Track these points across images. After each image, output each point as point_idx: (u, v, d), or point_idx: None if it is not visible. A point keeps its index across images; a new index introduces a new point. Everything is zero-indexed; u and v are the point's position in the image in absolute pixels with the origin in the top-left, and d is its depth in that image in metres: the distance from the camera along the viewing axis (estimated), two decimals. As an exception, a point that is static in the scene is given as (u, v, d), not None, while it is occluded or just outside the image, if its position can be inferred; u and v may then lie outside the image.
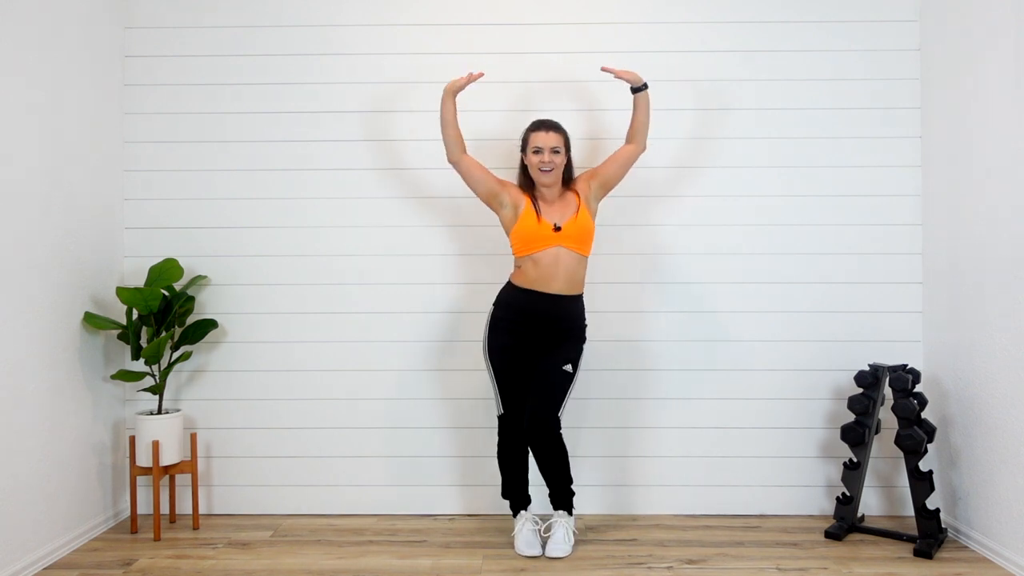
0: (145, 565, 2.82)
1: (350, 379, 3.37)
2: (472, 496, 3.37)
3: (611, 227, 3.31)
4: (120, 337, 3.16)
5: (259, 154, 3.37)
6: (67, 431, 2.96)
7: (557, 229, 2.82)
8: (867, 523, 3.19)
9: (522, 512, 2.98)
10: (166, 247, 3.35)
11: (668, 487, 3.37)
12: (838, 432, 3.25)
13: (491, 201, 2.94)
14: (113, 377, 3.11)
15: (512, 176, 3.01)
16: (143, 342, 3.21)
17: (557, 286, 2.84)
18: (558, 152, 2.85)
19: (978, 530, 2.95)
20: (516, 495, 2.99)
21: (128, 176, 3.37)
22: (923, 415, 3.10)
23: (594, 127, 3.34)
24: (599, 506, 3.36)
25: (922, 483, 2.95)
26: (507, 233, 2.93)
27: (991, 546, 2.86)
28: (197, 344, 3.28)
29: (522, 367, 2.90)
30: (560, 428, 2.89)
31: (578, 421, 3.31)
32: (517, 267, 2.90)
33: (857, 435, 3.05)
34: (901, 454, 3.20)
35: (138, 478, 3.22)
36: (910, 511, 3.22)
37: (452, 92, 2.91)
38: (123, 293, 3.00)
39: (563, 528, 2.92)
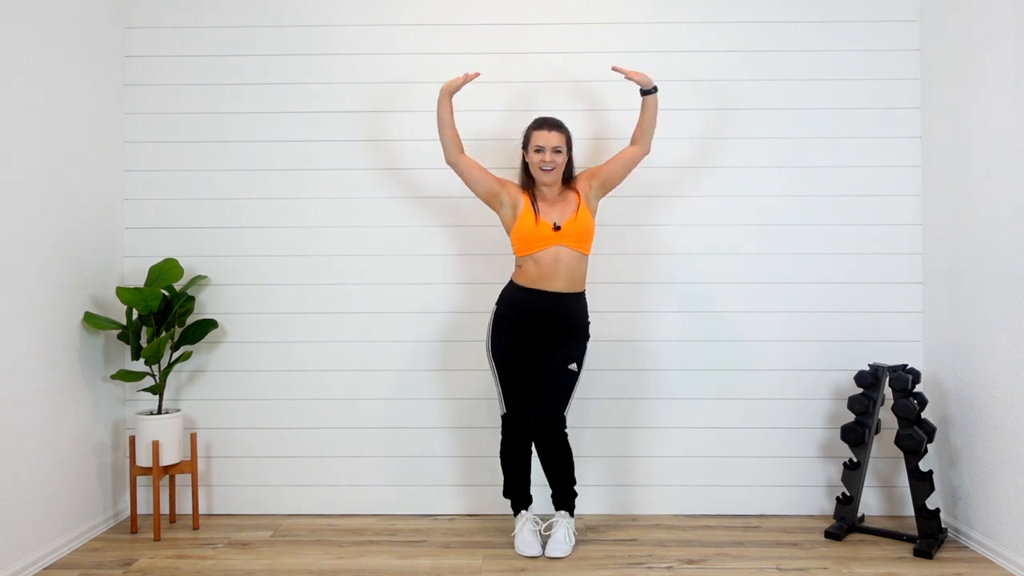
0: (145, 565, 2.82)
1: (350, 379, 3.37)
2: (472, 496, 3.37)
3: (611, 227, 3.31)
4: (120, 337, 3.16)
5: (259, 154, 3.37)
6: (67, 431, 2.96)
7: (557, 228, 2.82)
8: (867, 523, 3.19)
9: (522, 512, 2.98)
10: (166, 247, 3.35)
11: (668, 487, 3.37)
12: (838, 432, 3.25)
13: (491, 200, 2.94)
14: (113, 377, 3.11)
15: (513, 175, 3.01)
16: (143, 342, 3.21)
17: (558, 284, 2.84)
18: (560, 151, 2.84)
19: (978, 530, 2.95)
20: (517, 494, 2.99)
21: (128, 176, 3.37)
22: (923, 415, 3.10)
23: (594, 127, 3.34)
24: (599, 506, 3.36)
25: (922, 483, 2.95)
26: (507, 233, 2.93)
27: (991, 546, 2.86)
28: (197, 344, 3.28)
29: (525, 366, 2.89)
30: (566, 427, 2.89)
31: (579, 421, 3.30)
32: (518, 266, 2.90)
33: (857, 435, 3.05)
34: (901, 454, 3.20)
35: (138, 478, 3.22)
36: (910, 511, 3.22)
37: (448, 93, 2.91)
38: (123, 293, 3.00)
39: (564, 528, 2.92)
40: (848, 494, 3.09)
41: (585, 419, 3.35)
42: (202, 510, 3.35)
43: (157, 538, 3.05)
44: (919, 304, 3.34)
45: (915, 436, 2.93)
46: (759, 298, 3.35)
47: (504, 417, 2.95)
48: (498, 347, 2.90)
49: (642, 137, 2.97)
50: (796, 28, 3.35)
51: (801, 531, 3.16)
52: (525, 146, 2.90)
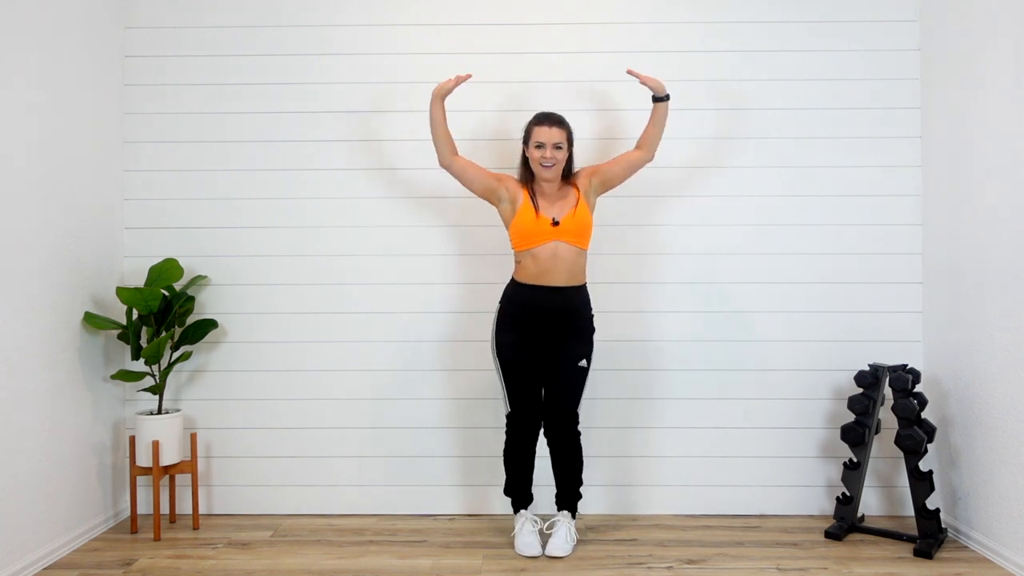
0: (145, 565, 2.82)
1: (350, 379, 3.37)
2: (472, 496, 3.37)
3: (612, 227, 3.31)
4: (120, 337, 3.16)
5: (259, 154, 3.37)
6: (67, 431, 2.96)
7: (555, 224, 2.82)
8: (867, 523, 3.19)
9: (522, 511, 2.98)
10: (166, 247, 3.35)
11: (668, 487, 3.37)
12: (838, 432, 3.25)
13: (489, 197, 2.94)
14: (113, 377, 3.11)
15: (514, 174, 3.01)
16: (143, 342, 3.21)
17: (558, 279, 2.84)
18: (560, 148, 2.84)
19: (978, 530, 2.95)
20: (518, 493, 2.99)
21: (128, 176, 3.37)
22: (923, 415, 3.10)
23: (594, 127, 3.34)
24: (599, 506, 3.36)
25: (922, 483, 2.95)
26: (506, 227, 2.93)
27: (991, 546, 2.86)
28: (197, 344, 3.28)
29: (530, 364, 2.89)
30: (578, 423, 2.91)
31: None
32: (517, 262, 2.90)
33: (857, 435, 3.05)
34: (901, 454, 3.20)
35: (138, 478, 3.22)
36: (910, 511, 3.22)
37: (440, 96, 2.90)
38: (123, 293, 3.00)
39: (565, 528, 2.92)
40: (848, 494, 3.09)
41: (586, 419, 3.33)
42: (202, 510, 3.35)
43: (157, 538, 3.05)
44: (919, 304, 3.34)
45: (915, 436, 2.93)
46: (759, 298, 3.35)
47: (509, 416, 2.94)
48: (502, 345, 2.90)
49: (648, 142, 2.98)
50: (796, 28, 3.35)
51: (801, 531, 3.16)
52: (526, 141, 2.90)
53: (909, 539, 3.00)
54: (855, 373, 3.16)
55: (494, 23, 3.37)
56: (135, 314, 3.14)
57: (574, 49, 3.35)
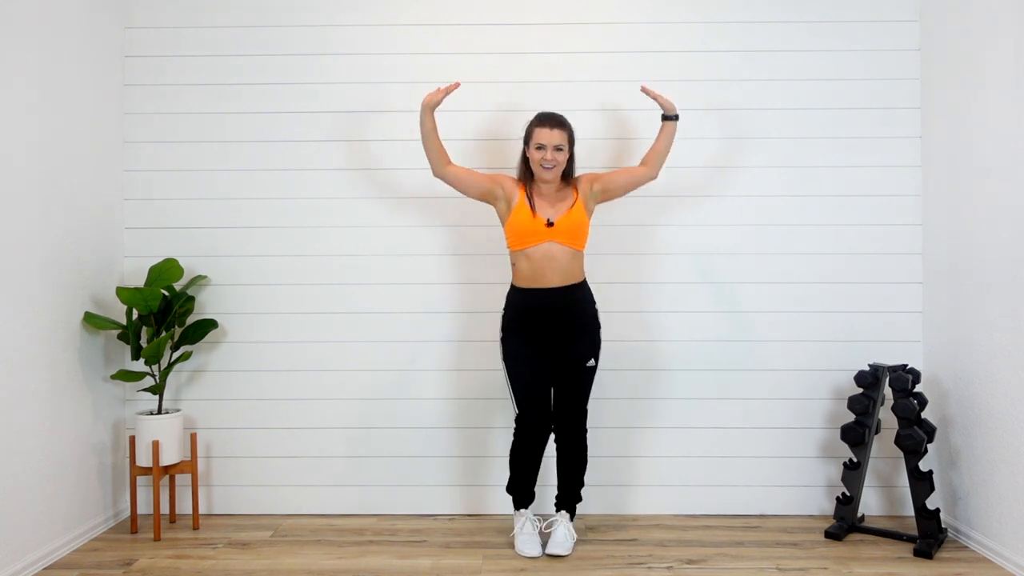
0: (145, 565, 2.82)
1: (350, 379, 3.37)
2: (472, 496, 3.37)
3: (612, 227, 3.31)
4: (120, 337, 3.16)
5: (259, 154, 3.37)
6: (67, 431, 2.96)
7: (550, 224, 2.82)
8: (867, 523, 3.19)
9: (522, 510, 2.98)
10: (166, 247, 3.35)
11: (668, 487, 3.37)
12: (838, 432, 3.25)
13: (487, 198, 2.95)
14: (113, 377, 3.11)
15: (513, 174, 3.01)
16: (143, 342, 3.21)
17: (554, 280, 2.83)
18: (561, 150, 2.84)
19: (978, 530, 2.95)
20: (522, 492, 2.98)
21: (128, 176, 3.37)
22: (923, 415, 3.10)
23: (594, 127, 3.34)
24: (599, 506, 3.36)
25: (922, 483, 2.95)
26: (502, 226, 2.93)
27: (991, 546, 2.86)
28: (197, 344, 3.28)
29: (538, 367, 2.89)
30: (586, 421, 2.94)
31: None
32: (512, 265, 2.90)
33: (857, 435, 3.05)
34: (901, 454, 3.20)
35: (138, 478, 3.22)
36: (910, 511, 3.22)
37: (430, 107, 2.89)
38: (123, 293, 3.00)
39: (564, 527, 2.92)
40: (848, 494, 3.09)
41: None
42: (202, 510, 3.35)
43: (157, 538, 3.05)
44: (919, 304, 3.34)
45: (915, 436, 2.93)
46: (759, 298, 3.35)
47: (518, 419, 2.93)
48: (509, 351, 2.90)
49: (653, 160, 2.99)
50: (796, 28, 3.35)
51: (801, 531, 3.16)
52: (526, 142, 2.89)
53: (909, 539, 3.00)
54: (855, 373, 3.16)
55: (494, 23, 3.37)
56: (135, 314, 3.14)
57: (574, 49, 3.35)
